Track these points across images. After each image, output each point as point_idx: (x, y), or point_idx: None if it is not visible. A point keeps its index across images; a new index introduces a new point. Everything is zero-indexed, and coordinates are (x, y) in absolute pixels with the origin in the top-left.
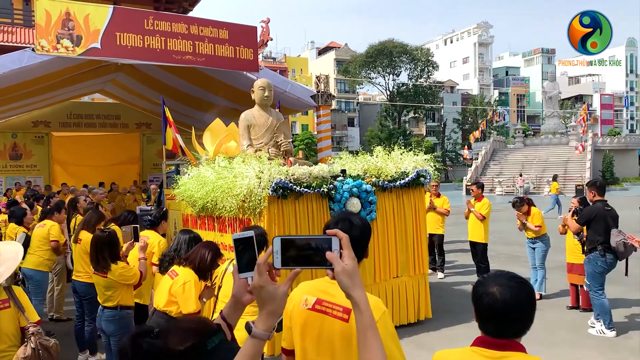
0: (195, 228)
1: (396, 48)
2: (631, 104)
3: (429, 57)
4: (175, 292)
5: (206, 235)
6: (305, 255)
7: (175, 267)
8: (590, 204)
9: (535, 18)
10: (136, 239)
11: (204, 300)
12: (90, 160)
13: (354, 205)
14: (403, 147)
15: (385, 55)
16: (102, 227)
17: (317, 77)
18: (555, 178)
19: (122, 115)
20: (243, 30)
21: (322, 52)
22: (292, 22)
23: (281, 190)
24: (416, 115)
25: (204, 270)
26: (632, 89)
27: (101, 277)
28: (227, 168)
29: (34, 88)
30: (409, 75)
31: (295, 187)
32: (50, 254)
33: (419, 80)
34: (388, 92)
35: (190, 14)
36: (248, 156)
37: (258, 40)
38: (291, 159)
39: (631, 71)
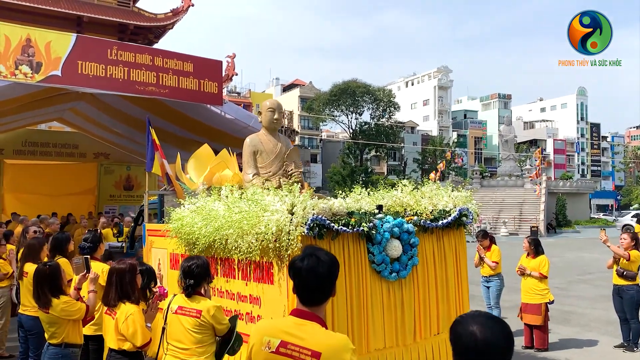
0: None
1: (359, 88)
2: (582, 149)
3: (391, 98)
4: (122, 331)
5: None
6: None
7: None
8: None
9: (493, 65)
10: (88, 270)
11: (149, 325)
12: (44, 190)
13: (395, 248)
14: (364, 185)
15: (349, 95)
16: (47, 260)
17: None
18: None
19: (80, 144)
20: (208, 64)
21: (286, 88)
22: (257, 59)
23: (317, 229)
24: (378, 153)
25: (133, 290)
26: (582, 135)
27: (44, 312)
28: (249, 200)
29: None
30: (371, 114)
31: (332, 225)
32: None
33: (381, 119)
34: (351, 130)
35: (156, 46)
36: (270, 186)
37: (223, 75)
38: (304, 191)
39: (582, 118)
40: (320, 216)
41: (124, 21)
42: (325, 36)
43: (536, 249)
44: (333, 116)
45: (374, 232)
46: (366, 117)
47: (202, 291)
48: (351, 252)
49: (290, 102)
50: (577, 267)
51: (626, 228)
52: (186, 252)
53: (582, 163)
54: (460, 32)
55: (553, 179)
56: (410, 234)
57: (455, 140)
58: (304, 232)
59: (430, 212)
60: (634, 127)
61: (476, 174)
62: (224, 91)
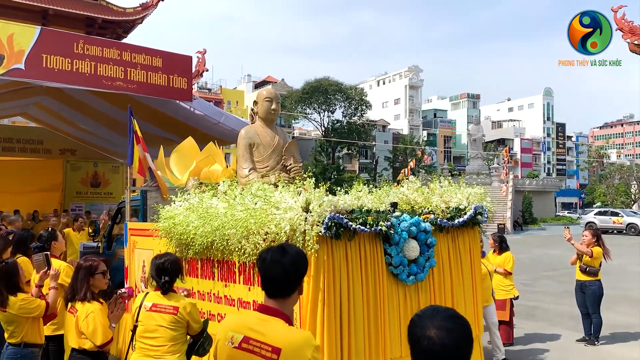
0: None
1: (331, 86)
2: (548, 148)
3: (363, 97)
4: (82, 329)
5: (203, 284)
6: None
7: (71, 304)
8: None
9: (462, 65)
10: (49, 266)
11: (113, 325)
12: (6, 187)
13: (413, 249)
14: (336, 183)
15: (321, 93)
16: (5, 258)
17: (252, 110)
18: None
19: (45, 140)
20: (177, 59)
21: (258, 85)
22: (229, 55)
23: (335, 228)
24: (350, 151)
25: (80, 288)
26: (548, 135)
27: (1, 311)
28: (256, 196)
29: None
30: (343, 112)
31: (350, 224)
32: None
33: (353, 118)
34: (323, 128)
35: (124, 41)
36: (280, 181)
37: (193, 70)
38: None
39: (548, 118)
40: (338, 214)
41: (91, 15)
42: (298, 34)
43: (501, 245)
44: (305, 114)
45: (392, 231)
46: (338, 115)
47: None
48: (368, 253)
49: (252, 102)
50: (543, 264)
51: (589, 225)
52: (176, 254)
53: (548, 162)
54: (431, 32)
55: (520, 177)
56: (427, 234)
57: (425, 139)
58: (320, 231)
59: (444, 211)
60: (598, 128)
61: (445, 172)
62: (195, 87)
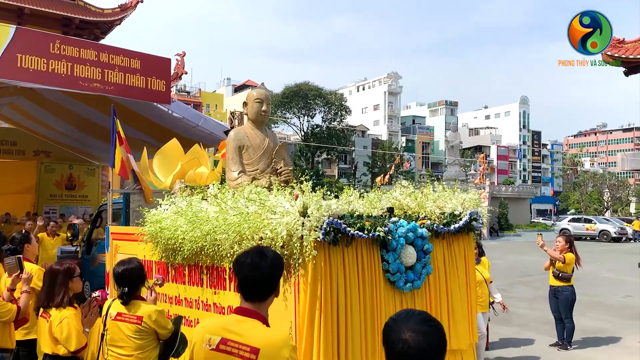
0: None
1: (311, 91)
2: (524, 156)
3: (342, 102)
4: (56, 334)
5: (191, 291)
6: None
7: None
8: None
9: (441, 73)
10: (21, 270)
11: (87, 330)
12: None
13: (410, 255)
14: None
15: (301, 97)
16: None
17: (231, 113)
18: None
19: (19, 141)
20: (156, 61)
21: (238, 89)
22: (209, 58)
23: (333, 234)
24: (329, 156)
25: (59, 293)
26: (524, 142)
27: None
28: (251, 200)
29: None
30: (323, 117)
31: (348, 229)
32: None
33: (332, 123)
34: (302, 133)
35: (102, 42)
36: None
37: (172, 73)
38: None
39: (524, 126)
40: (335, 219)
41: (68, 15)
42: (278, 38)
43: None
44: (285, 118)
45: (389, 237)
46: (318, 120)
47: (147, 294)
48: (365, 260)
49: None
50: (518, 269)
51: (562, 231)
52: (162, 259)
53: (524, 169)
54: (410, 39)
55: (496, 184)
56: (424, 240)
57: (404, 144)
58: (319, 237)
59: (438, 216)
60: (572, 136)
61: (423, 178)
62: (173, 90)
